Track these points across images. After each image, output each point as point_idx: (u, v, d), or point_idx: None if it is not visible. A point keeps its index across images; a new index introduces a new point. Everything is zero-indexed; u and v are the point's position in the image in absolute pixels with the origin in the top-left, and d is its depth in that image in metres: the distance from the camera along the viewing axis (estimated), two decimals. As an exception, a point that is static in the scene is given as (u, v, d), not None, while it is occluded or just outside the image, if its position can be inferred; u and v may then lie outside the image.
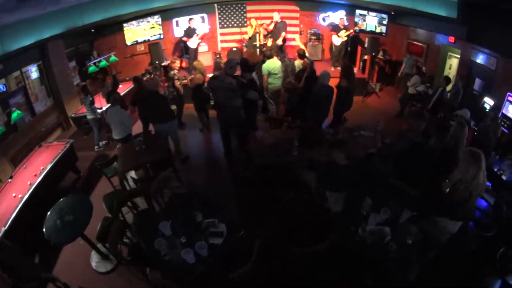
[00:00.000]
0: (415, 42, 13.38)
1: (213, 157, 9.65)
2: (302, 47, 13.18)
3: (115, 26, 13.28)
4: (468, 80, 10.58)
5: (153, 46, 13.85)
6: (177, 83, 10.52)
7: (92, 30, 12.22)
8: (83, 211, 5.59)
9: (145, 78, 13.42)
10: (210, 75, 9.63)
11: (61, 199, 5.88)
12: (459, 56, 11.40)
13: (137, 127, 9.76)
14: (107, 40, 13.89)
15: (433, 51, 12.65)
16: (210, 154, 10.00)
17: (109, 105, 9.45)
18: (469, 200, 4.89)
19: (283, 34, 14.32)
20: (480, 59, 10.12)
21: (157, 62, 13.71)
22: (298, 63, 10.98)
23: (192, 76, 10.14)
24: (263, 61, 10.40)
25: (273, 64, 10.16)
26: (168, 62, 12.55)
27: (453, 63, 12.06)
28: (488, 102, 9.52)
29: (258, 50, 13.81)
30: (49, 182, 7.31)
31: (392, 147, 7.44)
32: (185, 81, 11.18)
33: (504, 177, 6.96)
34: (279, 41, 14.23)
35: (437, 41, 12.32)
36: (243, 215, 6.80)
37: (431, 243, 4.63)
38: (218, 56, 15.28)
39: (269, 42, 13.63)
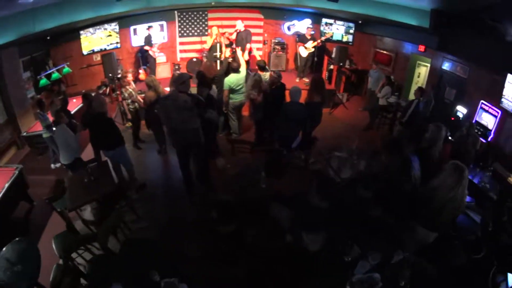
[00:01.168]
0: (382, 51, 13.55)
1: (173, 186, 8.79)
2: (242, 59, 11.73)
3: (71, 33, 12.69)
4: (439, 89, 10.81)
5: (106, 57, 12.90)
6: (137, 98, 9.88)
7: (48, 38, 11.59)
8: (31, 260, 5.12)
9: (101, 91, 13.07)
10: (168, 88, 9.40)
11: (6, 247, 5.28)
12: (428, 65, 11.68)
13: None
14: (63, 48, 13.21)
15: (401, 59, 12.87)
16: (169, 182, 9.15)
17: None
18: (442, 212, 4.79)
19: (248, 45, 13.87)
20: (451, 68, 10.37)
21: (110, 74, 12.80)
22: (264, 76, 10.40)
23: (144, 94, 9.60)
24: (226, 74, 10.11)
25: (235, 78, 9.79)
26: (119, 76, 12.21)
27: (421, 72, 12.31)
28: (461, 110, 9.73)
29: (218, 62, 13.17)
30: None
31: (370, 171, 6.82)
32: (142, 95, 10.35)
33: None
34: (245, 54, 13.59)
35: (405, 49, 12.53)
36: (208, 268, 5.97)
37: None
38: (176, 67, 14.93)
39: (227, 53, 13.13)
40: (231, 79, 9.77)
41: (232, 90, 9.92)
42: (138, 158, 9.40)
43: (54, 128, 8.10)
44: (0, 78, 10.06)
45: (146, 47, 13.68)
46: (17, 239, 5.34)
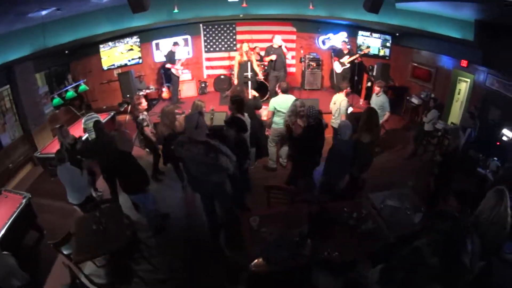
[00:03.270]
0: (421, 66, 13.34)
1: (196, 229, 8.14)
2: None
3: (91, 47, 13.01)
4: (482, 108, 10.40)
5: (122, 76, 12.83)
6: (147, 130, 9.22)
7: (66, 52, 11.97)
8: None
9: (122, 109, 13.18)
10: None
11: None
12: (468, 80, 11.39)
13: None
14: (82, 63, 13.61)
15: (442, 75, 12.55)
16: (192, 224, 8.44)
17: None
18: (486, 235, 4.89)
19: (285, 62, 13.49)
20: (495, 85, 10.05)
21: (128, 96, 12.62)
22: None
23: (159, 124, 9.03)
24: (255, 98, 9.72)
25: (283, 99, 9.19)
26: (128, 103, 12.23)
27: (462, 88, 11.93)
28: (507, 134, 9.08)
29: (249, 83, 12.44)
30: (7, 245, 6.61)
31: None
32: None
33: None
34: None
35: (446, 64, 12.30)
36: None
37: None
38: (203, 85, 14.93)
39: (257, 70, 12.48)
40: (278, 100, 9.28)
41: (276, 113, 9.36)
42: (156, 193, 8.63)
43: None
44: (14, 93, 10.35)
45: (168, 65, 13.44)
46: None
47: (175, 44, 13.53)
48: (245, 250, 5.64)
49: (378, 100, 10.24)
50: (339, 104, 9.85)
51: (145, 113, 9.47)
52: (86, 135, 10.07)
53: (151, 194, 7.76)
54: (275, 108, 9.29)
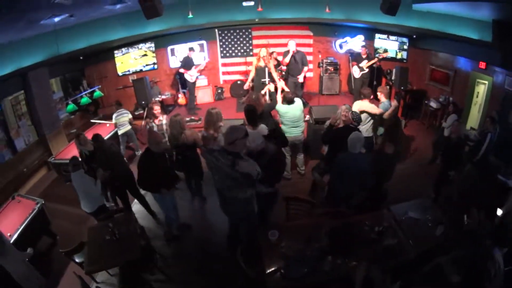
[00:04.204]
0: (439, 69, 13.24)
1: (212, 240, 8.00)
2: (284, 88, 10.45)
3: (105, 53, 13.19)
4: (501, 111, 10.18)
5: (137, 82, 12.44)
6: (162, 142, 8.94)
7: (81, 58, 12.14)
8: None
9: (137, 113, 13.37)
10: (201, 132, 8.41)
11: None
12: (486, 82, 11.22)
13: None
14: (97, 68, 13.76)
15: (460, 78, 12.38)
16: (208, 234, 8.26)
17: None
18: None
19: (305, 68, 13.07)
20: None
21: (143, 102, 12.40)
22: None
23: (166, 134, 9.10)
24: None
25: (286, 110, 9.00)
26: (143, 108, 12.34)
27: (480, 90, 11.72)
28: None
29: (267, 91, 11.85)
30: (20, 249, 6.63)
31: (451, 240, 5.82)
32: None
33: None
34: (300, 78, 12.93)
35: (464, 66, 12.16)
36: None
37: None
38: (219, 90, 15.02)
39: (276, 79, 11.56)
40: (282, 109, 9.07)
41: (283, 122, 9.20)
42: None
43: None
44: (29, 98, 10.54)
45: (181, 70, 13.63)
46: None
47: (191, 49, 13.62)
48: (263, 265, 5.50)
49: (385, 105, 9.62)
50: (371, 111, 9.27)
51: (163, 118, 9.61)
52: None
53: (174, 200, 7.77)
54: (280, 116, 9.20)
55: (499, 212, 6.53)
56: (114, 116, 11.04)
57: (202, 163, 8.57)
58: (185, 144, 7.97)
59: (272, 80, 11.98)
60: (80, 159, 7.92)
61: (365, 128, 9.14)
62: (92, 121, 12.51)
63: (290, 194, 7.31)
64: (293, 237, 5.94)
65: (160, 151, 7.15)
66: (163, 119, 9.58)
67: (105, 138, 10.24)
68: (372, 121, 9.26)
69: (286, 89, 10.08)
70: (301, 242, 5.82)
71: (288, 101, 8.95)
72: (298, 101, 9.11)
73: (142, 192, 8.38)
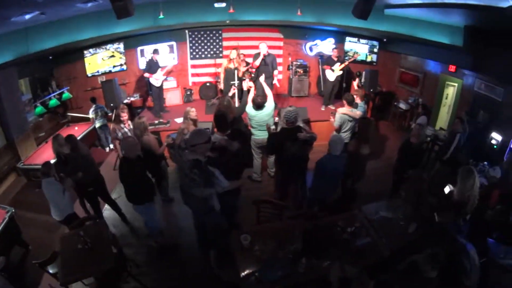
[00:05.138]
0: (409, 71, 13.58)
1: (187, 251, 7.91)
2: (268, 89, 9.85)
3: (74, 53, 12.92)
4: (471, 112, 10.61)
5: (106, 84, 12.16)
6: (115, 142, 9.34)
7: (50, 57, 11.86)
8: None
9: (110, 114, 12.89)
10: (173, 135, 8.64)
11: None
12: (456, 85, 11.59)
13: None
14: (67, 68, 13.45)
15: (429, 80, 12.77)
16: (183, 244, 8.14)
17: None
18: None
19: (276, 72, 13.08)
20: (483, 89, 10.27)
21: (112, 104, 11.96)
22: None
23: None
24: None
25: (254, 114, 9.01)
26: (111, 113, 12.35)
27: (449, 92, 12.12)
28: (496, 137, 9.52)
29: (236, 95, 12.10)
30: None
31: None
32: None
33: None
34: (275, 81, 12.95)
35: (434, 69, 12.50)
36: None
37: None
38: (188, 92, 14.92)
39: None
40: (251, 112, 9.08)
41: (253, 126, 9.28)
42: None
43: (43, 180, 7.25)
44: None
45: (146, 74, 12.93)
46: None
47: (155, 52, 13.02)
48: (237, 269, 5.52)
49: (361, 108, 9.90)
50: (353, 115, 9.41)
51: (129, 124, 9.34)
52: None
53: (155, 208, 7.66)
54: (249, 119, 9.29)
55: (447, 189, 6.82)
56: (90, 111, 11.90)
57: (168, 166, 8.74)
58: (142, 149, 7.79)
59: (241, 82, 11.73)
60: (53, 163, 7.64)
61: (346, 135, 9.41)
62: (70, 114, 13.26)
63: (261, 198, 7.42)
64: (266, 241, 6.01)
65: (135, 157, 6.92)
66: (131, 125, 9.24)
67: (82, 135, 11.40)
68: (351, 123, 9.39)
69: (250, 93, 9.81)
70: (274, 245, 5.92)
71: (257, 105, 8.92)
72: (268, 106, 9.11)
73: (114, 196, 8.38)
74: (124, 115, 9.22)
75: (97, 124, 12.15)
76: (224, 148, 6.58)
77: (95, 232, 6.68)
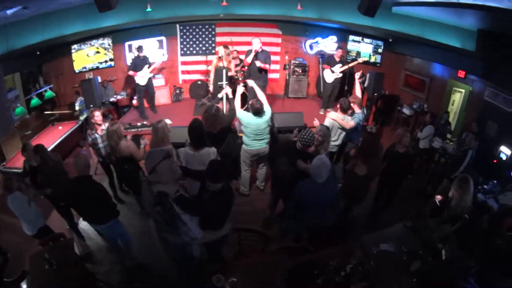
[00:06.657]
0: (415, 75, 13.15)
1: (159, 270, 7.31)
2: (261, 93, 8.81)
3: (61, 48, 12.41)
4: (479, 123, 9.95)
5: (85, 84, 11.48)
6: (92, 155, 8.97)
7: (38, 53, 11.31)
8: None
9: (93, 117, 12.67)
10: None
11: None
12: (463, 91, 11.29)
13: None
14: (54, 64, 12.98)
15: (437, 85, 12.33)
16: (155, 261, 7.42)
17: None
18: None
19: (267, 67, 11.60)
20: (494, 98, 9.81)
21: (92, 106, 10.93)
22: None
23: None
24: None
25: (250, 121, 8.11)
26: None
27: (456, 98, 11.87)
28: (505, 151, 9.01)
29: (224, 98, 10.44)
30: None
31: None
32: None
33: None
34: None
35: (441, 73, 12.10)
36: None
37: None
38: (178, 91, 14.45)
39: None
40: (246, 119, 8.13)
41: (245, 133, 8.36)
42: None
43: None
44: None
45: (130, 72, 12.28)
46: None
47: (139, 49, 12.25)
48: None
49: (358, 117, 9.00)
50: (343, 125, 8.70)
51: (102, 129, 8.50)
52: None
53: (120, 225, 7.00)
54: (243, 126, 8.33)
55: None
56: (77, 104, 12.08)
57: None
58: (122, 157, 7.33)
59: (231, 83, 11.36)
60: (14, 180, 7.18)
61: (332, 145, 8.60)
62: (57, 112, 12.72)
63: (242, 225, 6.64)
64: (244, 280, 5.18)
65: (87, 174, 6.37)
66: (105, 128, 8.32)
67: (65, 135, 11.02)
68: (340, 133, 8.83)
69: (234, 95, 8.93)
70: (253, 283, 5.22)
71: (255, 112, 7.99)
72: (267, 113, 8.22)
73: None
74: (98, 117, 8.44)
75: (84, 117, 11.90)
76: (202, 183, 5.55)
77: (62, 253, 6.39)
